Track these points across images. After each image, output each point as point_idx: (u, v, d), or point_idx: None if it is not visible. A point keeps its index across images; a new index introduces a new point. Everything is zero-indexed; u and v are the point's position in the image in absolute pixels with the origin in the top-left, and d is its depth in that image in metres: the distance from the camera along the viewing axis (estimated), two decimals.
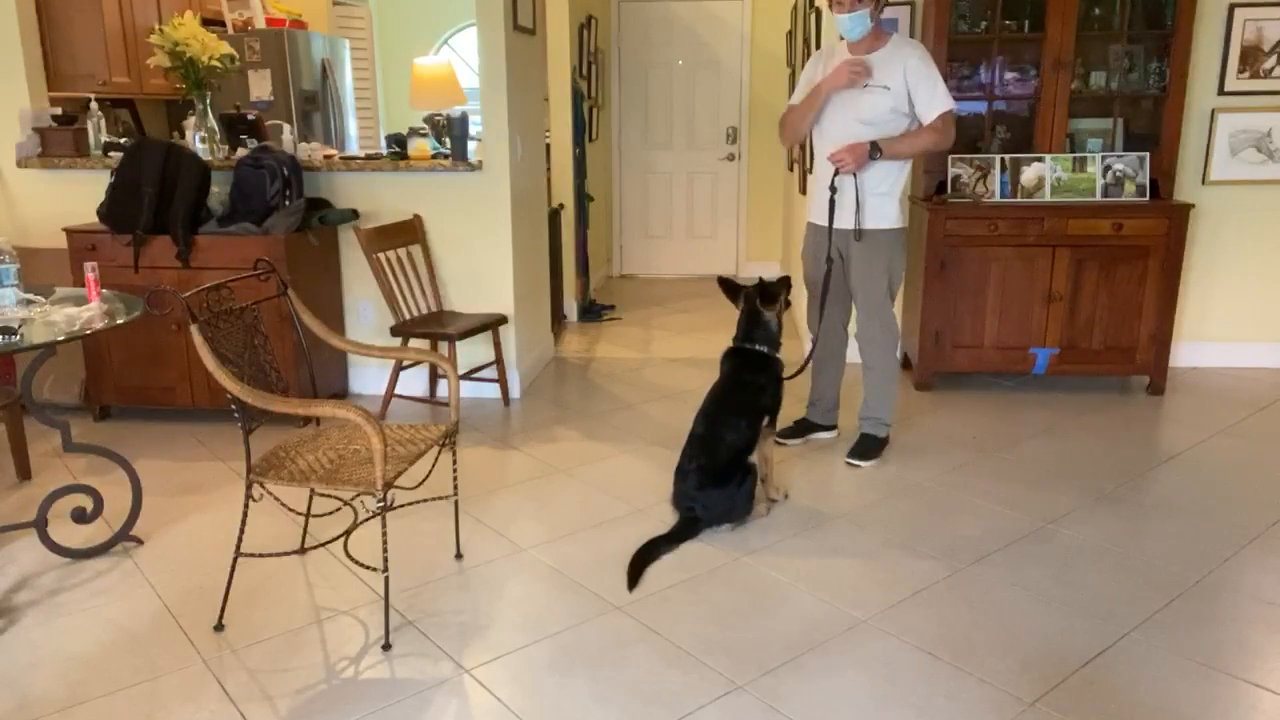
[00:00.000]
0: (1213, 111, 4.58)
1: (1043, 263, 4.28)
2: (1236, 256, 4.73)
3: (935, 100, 3.32)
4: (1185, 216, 4.23)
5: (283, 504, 2.92)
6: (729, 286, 3.31)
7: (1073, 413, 4.19)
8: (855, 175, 3.41)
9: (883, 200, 3.45)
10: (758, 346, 3.22)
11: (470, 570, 2.81)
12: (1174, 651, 2.35)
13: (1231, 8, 4.46)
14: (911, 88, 3.32)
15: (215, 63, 4.27)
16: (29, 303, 2.92)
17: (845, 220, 3.50)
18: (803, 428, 3.87)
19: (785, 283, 3.30)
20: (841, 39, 3.45)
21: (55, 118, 4.43)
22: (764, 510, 3.10)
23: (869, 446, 3.67)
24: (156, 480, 3.43)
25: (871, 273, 3.52)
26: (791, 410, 3.74)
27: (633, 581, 2.71)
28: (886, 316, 3.58)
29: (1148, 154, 4.32)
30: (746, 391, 3.16)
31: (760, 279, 3.26)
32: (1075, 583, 2.69)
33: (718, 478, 3.00)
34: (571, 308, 6.10)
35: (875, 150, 3.33)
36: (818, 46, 4.90)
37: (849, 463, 3.63)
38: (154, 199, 3.84)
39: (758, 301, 3.22)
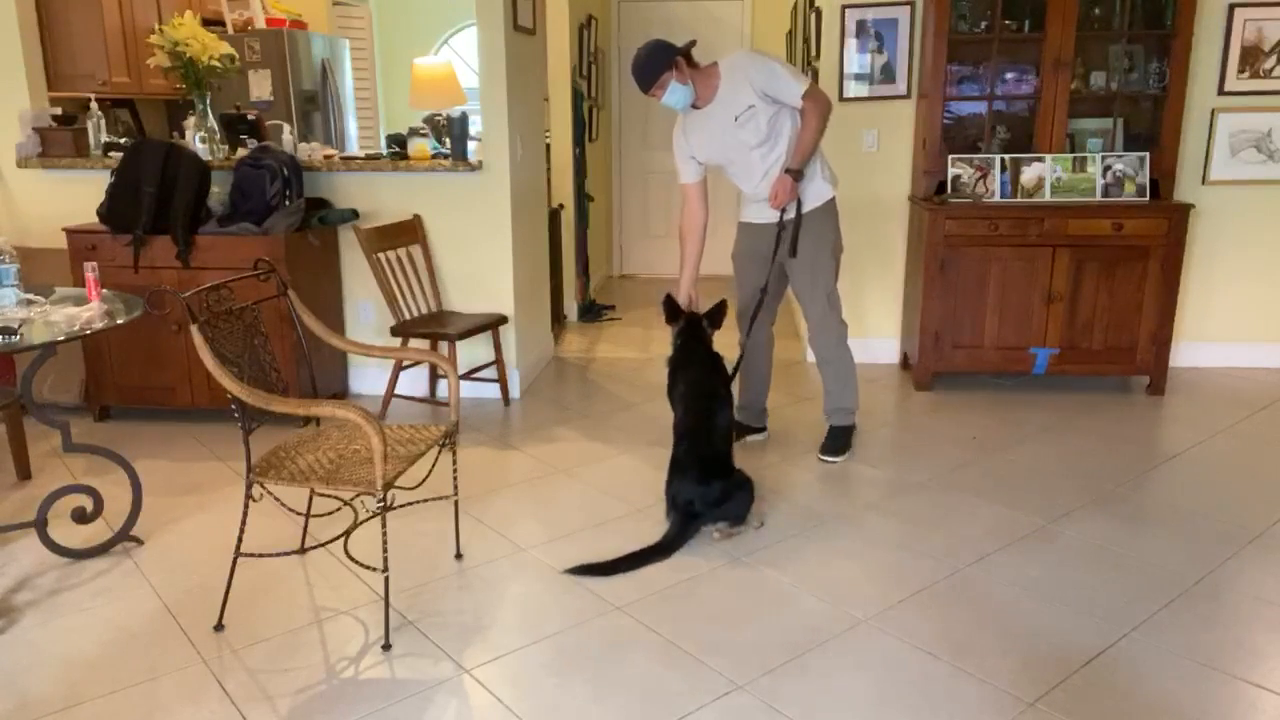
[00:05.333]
0: (1213, 111, 4.57)
1: (1043, 263, 4.28)
2: (1236, 256, 4.73)
3: (791, 86, 3.32)
4: (1185, 216, 4.23)
5: (283, 504, 2.91)
6: (671, 307, 3.43)
7: (1073, 413, 4.19)
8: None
9: (809, 183, 3.46)
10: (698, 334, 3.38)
11: (470, 570, 2.81)
12: (1174, 651, 2.35)
13: (1231, 8, 4.46)
14: (767, 91, 3.32)
15: (215, 63, 4.27)
16: (29, 303, 2.92)
17: (789, 210, 3.48)
18: (735, 430, 3.85)
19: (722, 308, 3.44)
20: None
21: (55, 118, 4.43)
22: (757, 524, 3.08)
23: (839, 440, 3.69)
24: (156, 480, 3.43)
25: (819, 257, 3.51)
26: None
27: (583, 570, 2.75)
28: (836, 303, 3.58)
29: (1148, 154, 4.32)
30: (714, 361, 3.29)
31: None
32: (1075, 583, 2.69)
33: (720, 469, 3.01)
34: (571, 308, 6.10)
35: (797, 175, 3.37)
36: (818, 45, 4.90)
37: (822, 459, 3.64)
38: (154, 199, 3.84)
39: (702, 325, 3.37)
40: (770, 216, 3.53)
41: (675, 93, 3.31)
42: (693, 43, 3.42)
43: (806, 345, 4.88)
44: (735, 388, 3.44)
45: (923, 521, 3.11)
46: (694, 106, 3.43)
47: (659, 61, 3.27)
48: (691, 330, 3.38)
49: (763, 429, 3.90)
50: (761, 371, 3.81)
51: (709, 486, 2.96)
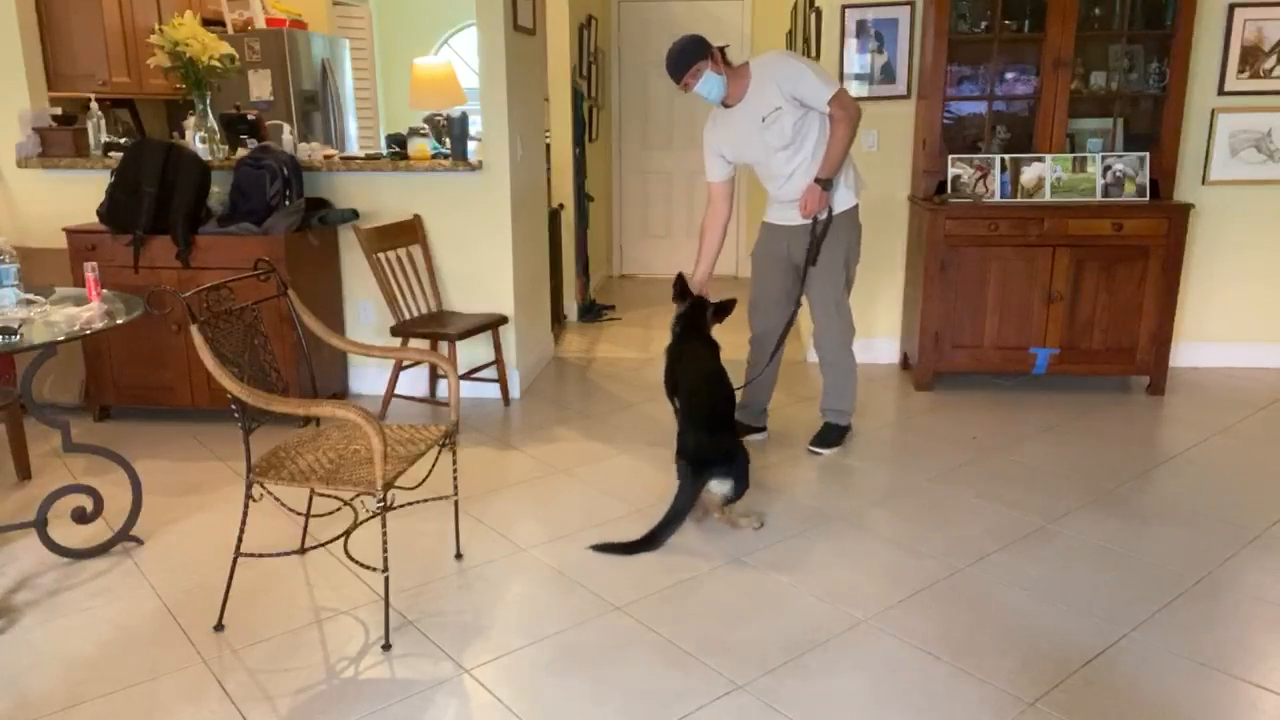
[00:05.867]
0: (1213, 111, 4.57)
1: (1043, 263, 4.28)
2: (1236, 256, 4.73)
3: (818, 90, 3.32)
4: (1185, 216, 4.23)
5: (283, 504, 2.91)
6: (681, 286, 3.52)
7: (1073, 413, 4.19)
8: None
9: (832, 191, 3.48)
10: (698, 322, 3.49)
11: (470, 570, 2.81)
12: (1174, 651, 2.35)
13: (1231, 8, 4.46)
14: (794, 94, 3.33)
15: (215, 63, 4.27)
16: (29, 303, 2.92)
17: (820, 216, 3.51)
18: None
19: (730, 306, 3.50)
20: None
21: (55, 118, 4.43)
22: (757, 524, 3.07)
23: (831, 435, 3.75)
24: (156, 480, 3.43)
25: (832, 262, 3.54)
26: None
27: (606, 548, 2.86)
28: (845, 310, 3.63)
29: (1148, 154, 4.32)
30: (710, 348, 3.39)
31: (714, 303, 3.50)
32: (1075, 583, 2.69)
33: (725, 424, 3.10)
34: (571, 308, 6.10)
35: (826, 184, 3.40)
36: (818, 45, 4.90)
37: (811, 450, 3.72)
38: (154, 199, 3.84)
39: (704, 311, 3.47)
40: (790, 219, 3.57)
41: (709, 82, 3.32)
42: (727, 45, 3.46)
43: (807, 345, 4.88)
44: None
45: (923, 521, 3.11)
46: (724, 104, 3.45)
47: (694, 51, 3.30)
48: (692, 315, 3.45)
49: (763, 429, 3.91)
50: (765, 374, 3.81)
51: (716, 436, 3.02)
